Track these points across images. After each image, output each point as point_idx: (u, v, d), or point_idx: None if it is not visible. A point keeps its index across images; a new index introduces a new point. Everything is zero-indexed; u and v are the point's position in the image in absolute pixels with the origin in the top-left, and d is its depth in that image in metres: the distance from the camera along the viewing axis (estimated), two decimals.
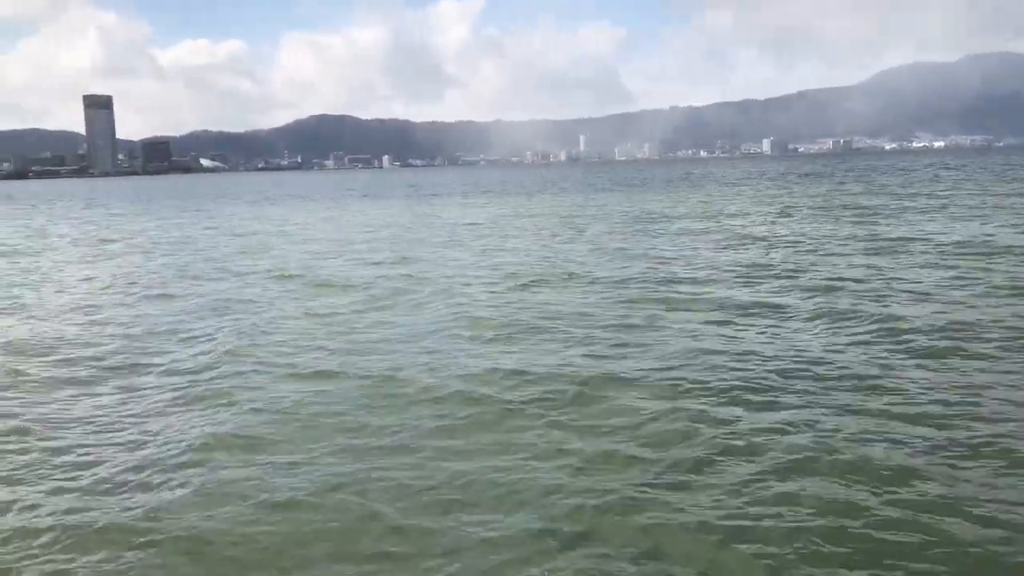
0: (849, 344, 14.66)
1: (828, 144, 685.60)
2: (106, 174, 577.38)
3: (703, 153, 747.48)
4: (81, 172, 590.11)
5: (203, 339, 17.25)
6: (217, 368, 14.49)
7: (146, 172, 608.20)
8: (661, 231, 38.46)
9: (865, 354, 13.85)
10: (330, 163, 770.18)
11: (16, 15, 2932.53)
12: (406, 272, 26.17)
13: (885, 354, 13.82)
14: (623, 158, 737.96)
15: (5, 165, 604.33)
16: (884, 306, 17.82)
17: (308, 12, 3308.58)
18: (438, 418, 11.34)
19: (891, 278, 21.51)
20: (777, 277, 22.75)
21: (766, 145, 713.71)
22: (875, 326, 15.85)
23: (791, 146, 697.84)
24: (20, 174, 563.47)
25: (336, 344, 16.07)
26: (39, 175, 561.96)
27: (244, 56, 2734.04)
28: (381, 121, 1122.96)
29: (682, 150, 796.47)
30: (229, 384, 13.32)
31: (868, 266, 23.94)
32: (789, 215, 44.74)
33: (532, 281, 23.38)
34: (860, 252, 27.27)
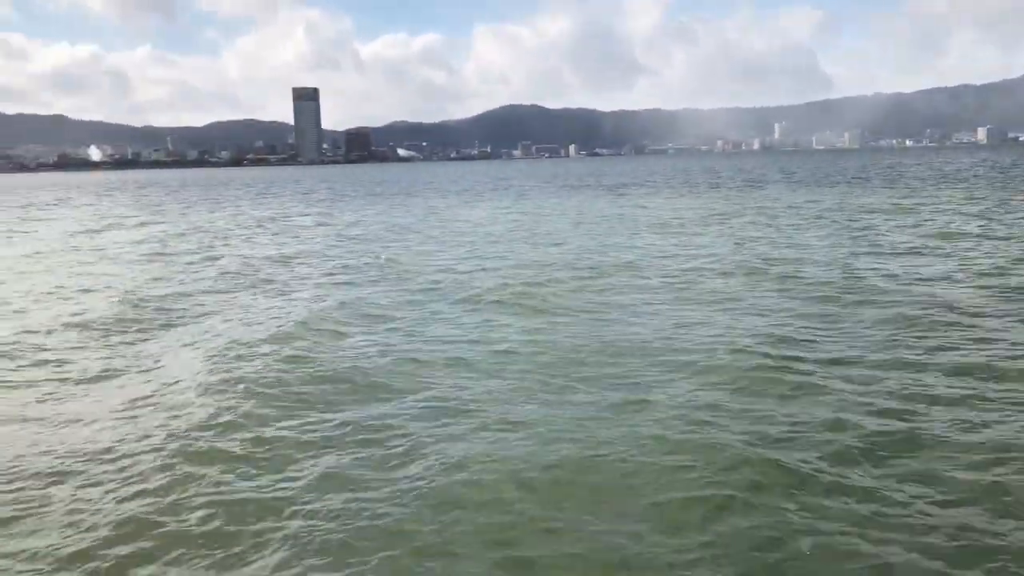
0: None
1: None
2: (311, 162, 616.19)
3: (909, 142, 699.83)
4: (289, 160, 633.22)
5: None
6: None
7: (347, 161, 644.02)
8: (834, 231, 35.94)
9: None
10: (518, 152, 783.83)
11: (234, 16, 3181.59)
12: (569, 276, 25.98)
13: None
14: (820, 147, 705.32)
15: (223, 153, 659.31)
16: None
17: (500, 3, 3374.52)
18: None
19: None
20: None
21: (981, 134, 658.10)
22: None
23: (1011, 134, 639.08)
24: (236, 162, 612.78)
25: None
26: (252, 163, 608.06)
27: (439, 48, 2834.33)
28: (569, 110, 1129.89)
29: (885, 139, 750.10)
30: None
31: None
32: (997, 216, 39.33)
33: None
34: None
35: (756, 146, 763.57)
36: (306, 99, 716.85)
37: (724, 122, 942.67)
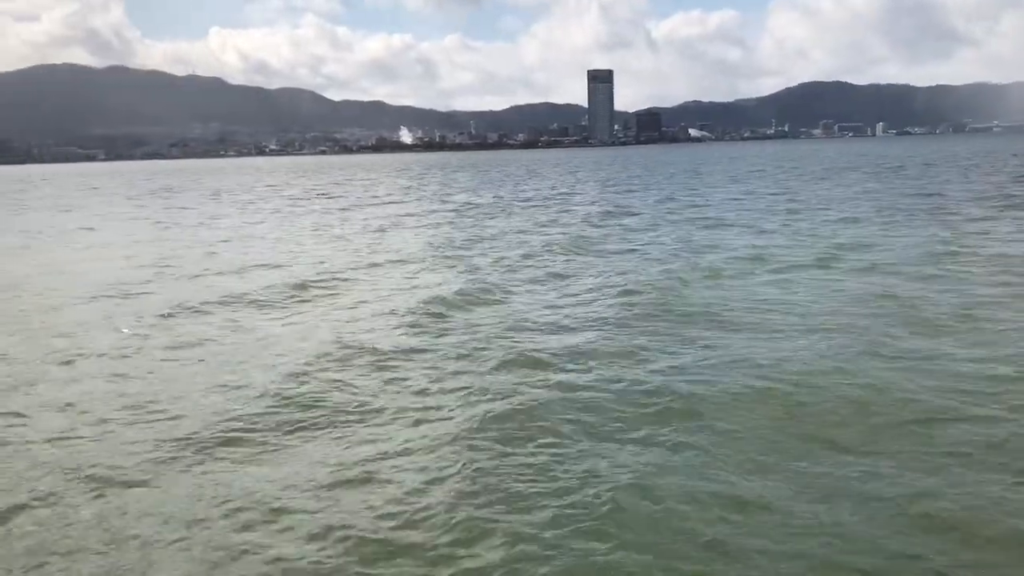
0: None
1: None
2: (603, 144, 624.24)
3: None
4: (581, 142, 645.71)
5: None
6: None
7: (638, 142, 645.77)
8: None
9: None
10: (818, 132, 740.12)
11: (529, 3, 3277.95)
12: None
13: None
14: None
15: (520, 136, 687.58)
16: None
17: None
18: None
19: None
20: None
21: None
22: None
23: None
24: (531, 143, 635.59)
25: None
26: (547, 145, 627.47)
27: (734, 25, 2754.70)
28: (877, 86, 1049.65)
29: None
30: None
31: None
32: None
33: None
34: None
35: None
36: (600, 81, 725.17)
37: None
